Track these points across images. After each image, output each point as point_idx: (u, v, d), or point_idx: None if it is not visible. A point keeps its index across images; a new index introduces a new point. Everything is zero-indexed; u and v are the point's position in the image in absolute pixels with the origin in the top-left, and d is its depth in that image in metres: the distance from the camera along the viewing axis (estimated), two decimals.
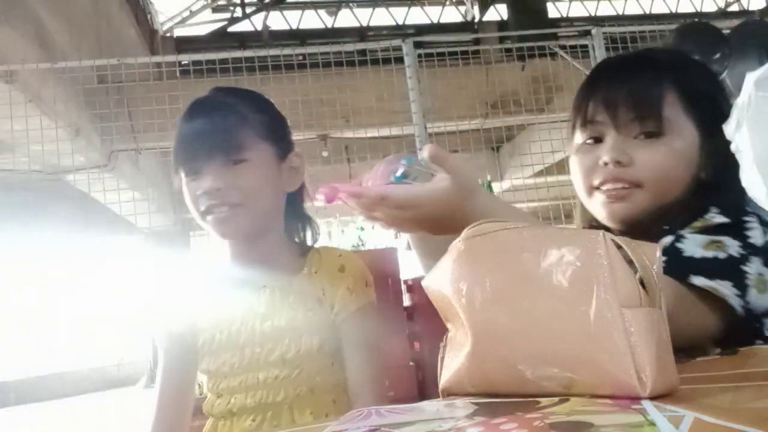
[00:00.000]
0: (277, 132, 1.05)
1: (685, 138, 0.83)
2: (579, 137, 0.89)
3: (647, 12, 12.63)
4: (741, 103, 0.46)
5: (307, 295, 1.02)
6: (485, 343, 0.53)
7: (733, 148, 0.49)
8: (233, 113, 1.02)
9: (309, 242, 1.09)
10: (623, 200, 0.82)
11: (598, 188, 0.85)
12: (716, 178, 0.81)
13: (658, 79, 0.85)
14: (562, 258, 0.51)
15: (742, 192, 0.57)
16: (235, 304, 1.02)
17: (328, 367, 1.02)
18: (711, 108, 0.85)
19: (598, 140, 0.86)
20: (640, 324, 0.47)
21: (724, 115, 0.79)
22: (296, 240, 1.09)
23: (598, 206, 0.85)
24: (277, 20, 11.81)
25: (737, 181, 0.53)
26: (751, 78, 0.45)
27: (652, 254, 0.51)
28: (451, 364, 0.56)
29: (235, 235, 1.00)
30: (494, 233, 0.56)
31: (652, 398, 0.45)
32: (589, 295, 0.49)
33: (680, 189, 0.83)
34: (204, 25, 11.68)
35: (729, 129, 0.48)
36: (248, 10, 11.64)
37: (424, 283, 0.59)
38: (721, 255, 0.70)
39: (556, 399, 0.48)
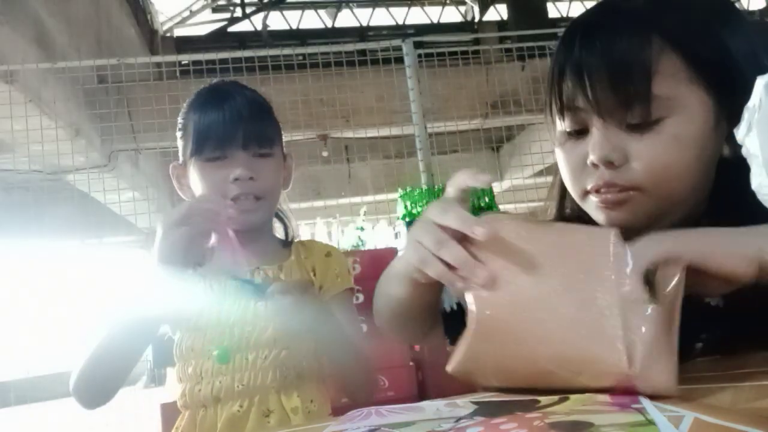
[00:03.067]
0: (281, 133, 1.09)
1: (692, 116, 0.64)
2: (559, 124, 0.71)
3: None
4: (751, 107, 0.46)
5: (297, 277, 1.06)
6: (487, 325, 0.54)
7: (743, 152, 0.49)
8: (264, 107, 1.06)
9: (288, 237, 1.13)
10: (621, 206, 0.67)
11: (590, 192, 0.69)
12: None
13: (641, 43, 0.64)
14: (569, 249, 0.53)
15: (752, 196, 0.53)
16: (228, 283, 1.02)
17: (313, 352, 1.03)
18: (728, 57, 0.65)
19: (582, 131, 0.69)
20: (640, 318, 0.49)
21: (749, 60, 0.64)
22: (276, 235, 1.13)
23: (592, 210, 0.70)
24: (277, 20, 11.81)
25: (748, 184, 0.52)
26: (761, 81, 0.45)
27: (675, 269, 0.51)
28: (458, 345, 0.57)
29: (251, 227, 1.01)
30: (504, 222, 0.56)
31: (651, 397, 0.46)
32: (592, 285, 0.50)
33: (693, 181, 0.66)
34: (204, 25, 11.67)
35: (740, 133, 0.48)
36: (248, 10, 11.63)
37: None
38: None
39: (556, 398, 0.48)
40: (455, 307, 0.78)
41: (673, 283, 0.50)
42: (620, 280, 0.50)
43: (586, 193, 0.70)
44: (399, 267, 0.69)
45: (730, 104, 0.64)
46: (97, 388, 0.96)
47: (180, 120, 1.07)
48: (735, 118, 0.58)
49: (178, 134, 1.07)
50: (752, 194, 0.56)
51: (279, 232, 1.15)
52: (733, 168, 0.61)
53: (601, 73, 0.65)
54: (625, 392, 0.48)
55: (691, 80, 0.64)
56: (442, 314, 0.79)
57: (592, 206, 0.70)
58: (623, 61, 0.64)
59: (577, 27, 0.69)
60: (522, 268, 0.53)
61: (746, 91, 0.55)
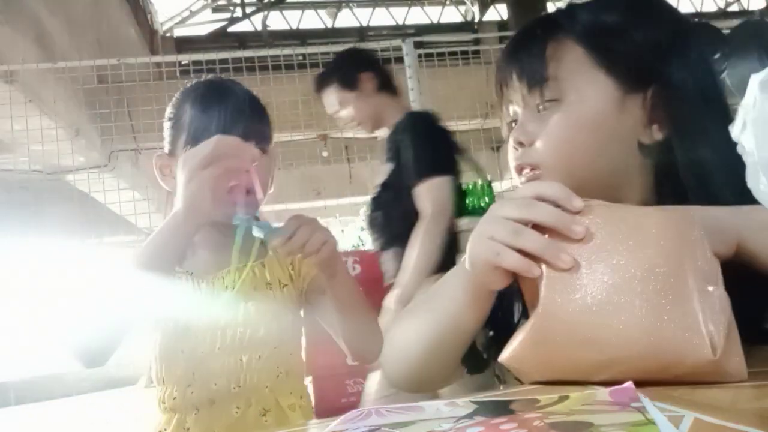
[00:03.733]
0: (272, 134, 1.08)
1: (588, 98, 0.69)
2: (507, 116, 0.80)
3: None
4: (746, 105, 0.46)
5: (279, 272, 1.06)
6: (550, 319, 0.53)
7: (738, 149, 0.49)
8: (262, 104, 1.06)
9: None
10: None
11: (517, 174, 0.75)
12: (678, 140, 0.68)
13: (547, 36, 0.72)
14: (646, 234, 0.52)
15: (748, 194, 0.54)
16: (215, 285, 1.01)
17: (298, 347, 1.05)
18: (637, 51, 0.70)
19: (515, 122, 0.77)
20: (715, 302, 0.49)
21: (669, 48, 0.70)
22: None
23: None
24: (277, 20, 11.81)
25: (743, 181, 0.52)
26: (756, 79, 0.45)
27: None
28: (515, 338, 0.56)
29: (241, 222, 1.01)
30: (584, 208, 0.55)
31: (699, 382, 0.47)
32: (672, 271, 0.50)
33: (599, 160, 0.69)
34: (204, 25, 11.67)
35: (735, 130, 0.48)
36: (248, 10, 11.62)
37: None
38: None
39: (556, 397, 0.48)
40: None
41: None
42: (702, 266, 0.50)
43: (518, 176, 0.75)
44: (453, 281, 0.67)
45: (643, 90, 0.69)
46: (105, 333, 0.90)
47: (171, 110, 1.06)
48: (661, 104, 0.68)
49: (167, 124, 1.05)
50: (697, 176, 0.64)
51: None
52: (669, 154, 0.67)
53: (513, 66, 0.74)
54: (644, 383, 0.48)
55: (593, 68, 0.70)
56: None
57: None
58: (528, 53, 0.72)
59: (513, 36, 0.78)
60: (598, 257, 0.52)
61: (666, 78, 0.67)
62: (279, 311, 1.02)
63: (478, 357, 0.77)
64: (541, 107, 0.72)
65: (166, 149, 1.06)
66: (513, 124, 0.77)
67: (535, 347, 0.54)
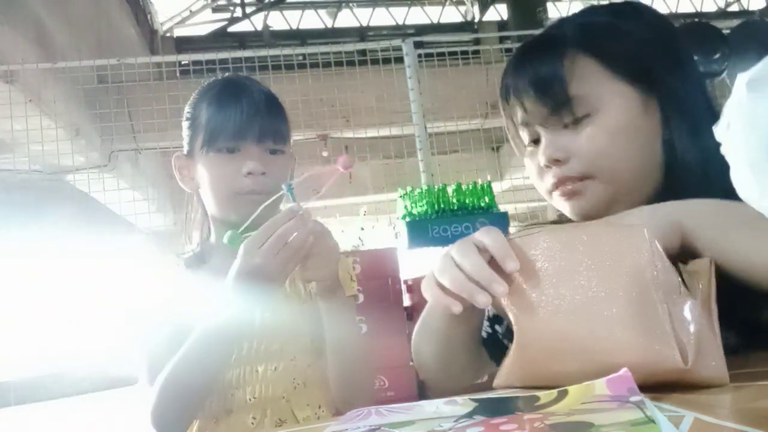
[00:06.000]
0: (290, 132, 1.07)
1: (617, 107, 0.73)
2: (520, 139, 0.82)
3: None
4: (731, 104, 0.46)
5: (300, 287, 1.04)
6: (529, 336, 0.56)
7: (722, 150, 0.49)
8: (279, 104, 1.05)
9: None
10: (579, 196, 0.75)
11: (552, 190, 0.78)
12: (693, 131, 0.72)
13: (557, 55, 0.74)
14: (603, 252, 0.53)
15: (733, 192, 0.55)
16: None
17: (317, 360, 1.02)
18: (644, 53, 0.74)
19: (537, 140, 0.79)
20: (681, 310, 0.50)
21: (670, 51, 0.75)
22: None
23: (559, 205, 0.79)
24: (277, 20, 11.80)
25: (727, 180, 0.52)
26: (743, 79, 0.44)
27: (705, 265, 0.54)
28: (503, 364, 0.59)
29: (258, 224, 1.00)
30: (535, 235, 0.58)
31: (690, 387, 0.47)
32: (633, 286, 0.51)
33: (636, 162, 0.74)
34: (204, 25, 11.66)
35: (719, 130, 0.48)
36: (248, 10, 11.62)
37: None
38: None
39: (555, 392, 0.48)
40: (490, 331, 0.84)
41: (706, 275, 0.52)
42: (660, 277, 0.51)
43: (549, 193, 0.78)
44: None
45: (656, 90, 0.74)
46: (183, 410, 0.92)
47: (188, 110, 1.04)
48: (666, 102, 0.73)
49: (185, 124, 1.04)
50: (703, 172, 0.68)
51: None
52: (677, 151, 0.73)
53: (528, 91, 0.75)
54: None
55: (610, 77, 0.74)
56: (483, 342, 0.84)
57: (557, 201, 0.78)
58: (543, 77, 0.74)
59: (513, 57, 0.80)
60: (560, 280, 0.54)
61: (666, 76, 0.71)
62: (297, 323, 1.00)
63: (501, 346, 0.81)
64: (569, 124, 0.74)
65: (185, 149, 1.05)
66: (530, 144, 0.80)
67: (521, 371, 0.57)
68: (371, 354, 1.06)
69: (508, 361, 0.58)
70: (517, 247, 0.58)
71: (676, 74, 0.75)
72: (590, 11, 0.81)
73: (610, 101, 0.73)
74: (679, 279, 0.52)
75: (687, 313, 0.50)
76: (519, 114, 0.79)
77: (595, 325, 0.52)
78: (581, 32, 0.76)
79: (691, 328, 0.49)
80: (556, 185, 0.76)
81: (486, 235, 0.60)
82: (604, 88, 0.74)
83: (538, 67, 0.75)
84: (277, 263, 0.83)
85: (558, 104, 0.74)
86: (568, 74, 0.73)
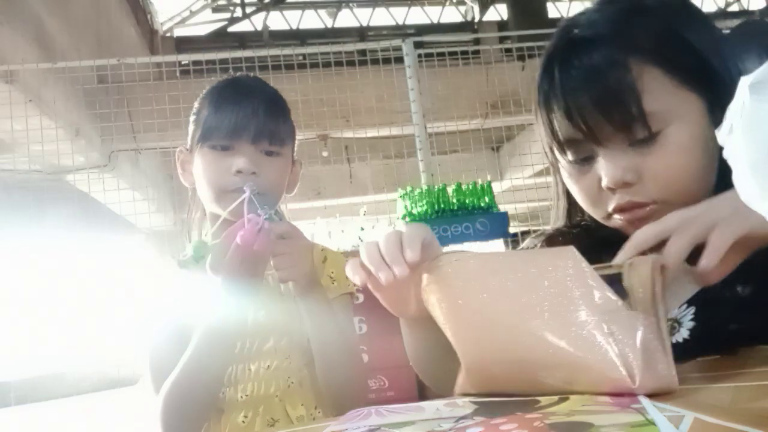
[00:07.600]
0: (294, 137, 1.08)
1: (689, 120, 0.66)
2: (562, 155, 0.73)
3: None
4: (734, 108, 0.46)
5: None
6: (475, 365, 0.57)
7: (725, 153, 0.49)
8: (282, 106, 1.05)
9: None
10: (648, 220, 0.65)
11: (613, 214, 0.70)
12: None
13: (620, 68, 0.66)
14: (539, 275, 0.53)
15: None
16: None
17: (312, 360, 1.01)
18: (701, 54, 0.68)
19: (587, 158, 0.70)
20: (621, 326, 0.49)
21: (723, 53, 0.68)
22: None
23: (618, 226, 0.71)
24: (277, 20, 11.81)
25: (730, 184, 0.52)
26: (745, 82, 0.44)
27: (645, 270, 0.51)
28: (457, 378, 0.59)
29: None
30: (459, 261, 0.58)
31: (649, 396, 0.46)
32: (571, 307, 0.50)
33: (708, 179, 0.67)
34: (204, 25, 11.67)
35: (721, 134, 0.48)
36: (248, 10, 11.62)
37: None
38: None
39: (556, 398, 0.48)
40: None
41: (647, 283, 0.50)
42: (593, 294, 0.50)
43: (609, 215, 0.71)
44: None
45: (719, 98, 0.66)
46: (192, 412, 0.94)
47: (195, 105, 1.06)
48: (715, 103, 0.65)
49: (191, 119, 1.06)
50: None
51: None
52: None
53: (590, 107, 0.67)
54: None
55: (678, 87, 0.67)
56: None
57: (618, 224, 0.71)
58: (610, 91, 0.66)
59: (552, 61, 0.71)
60: (501, 303, 0.54)
61: (727, 82, 0.61)
62: (291, 321, 0.99)
63: None
64: (634, 142, 0.67)
65: (188, 144, 1.06)
66: (577, 162, 0.72)
67: (475, 386, 0.58)
68: (357, 355, 1.05)
69: (459, 378, 0.59)
70: (445, 271, 0.58)
71: (729, 75, 0.68)
72: (627, 6, 0.71)
73: (683, 115, 0.66)
74: (617, 293, 0.50)
75: (629, 327, 0.48)
76: (568, 129, 0.70)
77: (540, 349, 0.51)
78: (640, 38, 0.67)
79: (635, 342, 0.48)
80: (622, 210, 0.69)
81: (407, 227, 0.62)
82: (675, 101, 0.66)
83: (600, 78, 0.67)
84: (244, 269, 0.88)
85: (632, 122, 0.66)
86: (639, 88, 0.65)
